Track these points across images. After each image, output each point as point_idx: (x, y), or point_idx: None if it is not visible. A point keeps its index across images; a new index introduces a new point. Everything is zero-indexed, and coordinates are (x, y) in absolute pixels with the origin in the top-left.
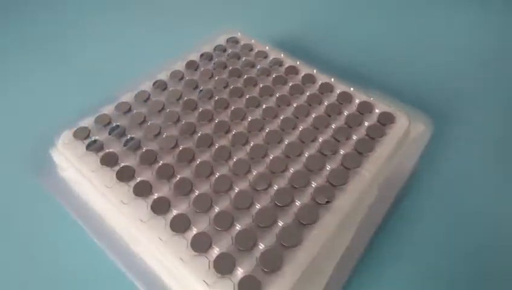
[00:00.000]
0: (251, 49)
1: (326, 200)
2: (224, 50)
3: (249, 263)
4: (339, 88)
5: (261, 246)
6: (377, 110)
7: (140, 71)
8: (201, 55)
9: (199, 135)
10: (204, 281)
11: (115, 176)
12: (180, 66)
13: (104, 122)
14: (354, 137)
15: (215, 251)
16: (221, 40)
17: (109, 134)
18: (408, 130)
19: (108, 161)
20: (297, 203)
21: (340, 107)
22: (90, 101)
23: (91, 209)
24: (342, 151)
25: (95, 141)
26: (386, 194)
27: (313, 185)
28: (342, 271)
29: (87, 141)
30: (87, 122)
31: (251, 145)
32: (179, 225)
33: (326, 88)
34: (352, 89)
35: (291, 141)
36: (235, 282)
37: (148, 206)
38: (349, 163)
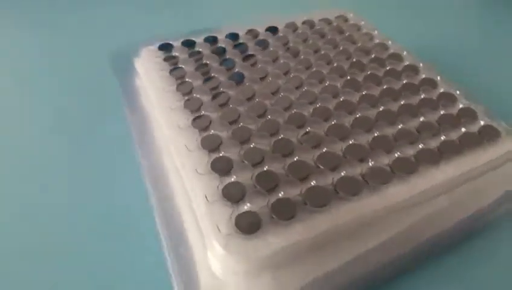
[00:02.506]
0: (358, 29)
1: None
2: (330, 23)
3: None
4: (443, 87)
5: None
6: (481, 122)
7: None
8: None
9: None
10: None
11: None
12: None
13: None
14: (444, 137)
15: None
16: (330, 15)
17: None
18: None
19: (177, 73)
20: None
21: (439, 104)
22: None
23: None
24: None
25: (174, 56)
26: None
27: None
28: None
29: (167, 55)
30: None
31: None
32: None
33: (429, 82)
34: (458, 92)
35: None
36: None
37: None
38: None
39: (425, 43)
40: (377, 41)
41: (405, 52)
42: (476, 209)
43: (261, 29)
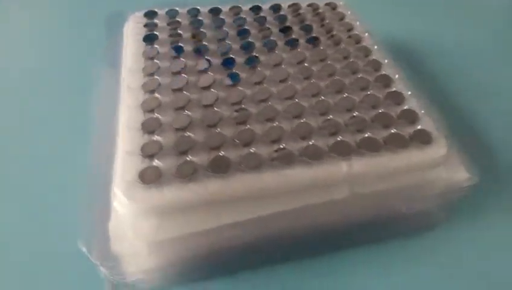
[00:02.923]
0: (341, 19)
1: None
2: (316, 9)
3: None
4: (396, 86)
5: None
6: (419, 126)
7: None
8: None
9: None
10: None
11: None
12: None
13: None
14: (370, 133)
15: None
16: (320, 1)
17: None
18: (437, 162)
19: (149, 38)
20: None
21: (383, 103)
22: None
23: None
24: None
25: (154, 23)
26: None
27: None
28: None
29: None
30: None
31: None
32: None
33: (384, 79)
34: (409, 92)
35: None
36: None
37: None
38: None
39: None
40: (354, 32)
41: (376, 47)
42: (389, 209)
43: (245, 8)
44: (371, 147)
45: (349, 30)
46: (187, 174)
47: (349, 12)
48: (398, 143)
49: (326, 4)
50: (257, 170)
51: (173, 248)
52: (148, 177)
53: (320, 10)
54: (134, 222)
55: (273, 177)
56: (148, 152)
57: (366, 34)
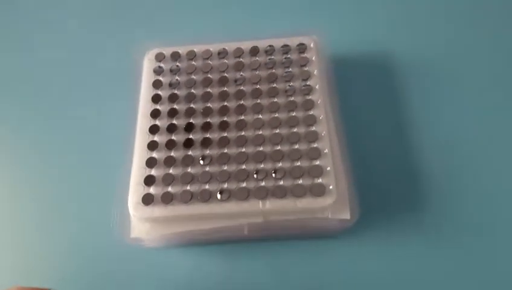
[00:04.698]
0: (304, 64)
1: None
2: (287, 52)
3: None
4: (318, 143)
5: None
6: (319, 180)
7: None
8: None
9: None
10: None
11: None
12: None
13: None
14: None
15: None
16: (293, 42)
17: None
18: (326, 208)
19: (156, 84)
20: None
21: (303, 155)
22: None
23: None
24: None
25: (160, 67)
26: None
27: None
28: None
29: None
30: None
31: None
32: None
33: (311, 135)
34: (326, 151)
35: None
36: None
37: None
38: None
39: None
40: (308, 83)
41: (319, 101)
42: (294, 226)
43: (230, 49)
44: (279, 193)
45: (305, 79)
46: (168, 201)
47: (313, 58)
48: (299, 193)
49: (298, 45)
50: (207, 202)
51: (159, 238)
52: (146, 201)
53: (289, 55)
54: (138, 224)
55: (217, 207)
56: (147, 183)
57: (317, 86)
